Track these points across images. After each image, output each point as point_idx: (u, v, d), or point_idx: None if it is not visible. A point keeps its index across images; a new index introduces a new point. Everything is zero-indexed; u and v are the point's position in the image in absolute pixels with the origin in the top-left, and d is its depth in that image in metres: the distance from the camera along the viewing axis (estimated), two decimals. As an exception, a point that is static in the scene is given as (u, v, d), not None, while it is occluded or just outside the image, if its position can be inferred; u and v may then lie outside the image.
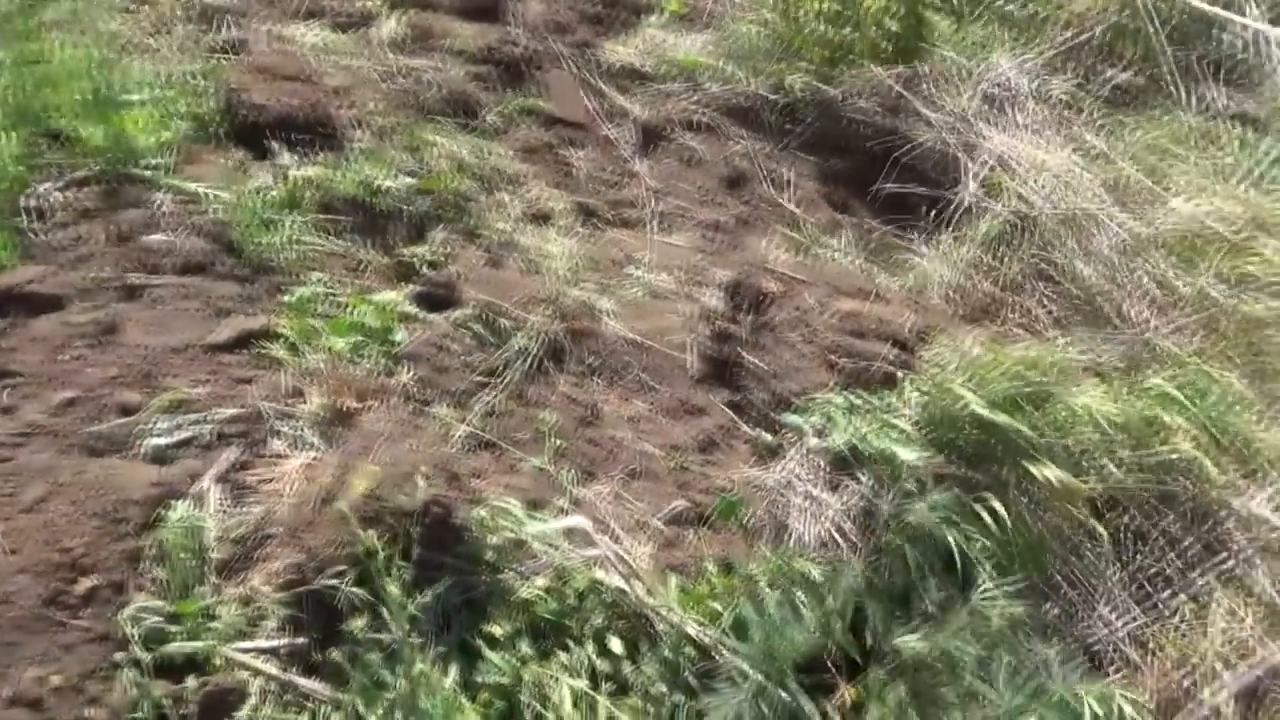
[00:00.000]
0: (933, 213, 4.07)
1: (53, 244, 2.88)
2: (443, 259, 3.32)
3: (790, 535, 2.63)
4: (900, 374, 2.96)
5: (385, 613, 2.03)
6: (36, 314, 2.64)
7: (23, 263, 2.79)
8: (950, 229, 3.95)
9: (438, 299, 3.12)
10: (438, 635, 2.16)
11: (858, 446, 2.72)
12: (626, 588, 2.33)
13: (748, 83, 4.89)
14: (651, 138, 4.63)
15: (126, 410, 2.39)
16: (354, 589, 2.07)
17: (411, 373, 2.77)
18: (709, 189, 4.46)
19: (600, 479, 2.72)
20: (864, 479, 2.70)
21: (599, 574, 2.35)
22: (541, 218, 3.83)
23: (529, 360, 3.00)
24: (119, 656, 1.92)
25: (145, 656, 1.92)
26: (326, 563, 2.10)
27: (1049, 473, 2.53)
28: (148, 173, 3.16)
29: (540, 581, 2.32)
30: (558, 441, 2.78)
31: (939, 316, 3.32)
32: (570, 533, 2.45)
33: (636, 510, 2.64)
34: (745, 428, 3.05)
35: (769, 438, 2.94)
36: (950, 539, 2.46)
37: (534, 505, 2.53)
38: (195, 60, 3.84)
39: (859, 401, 2.88)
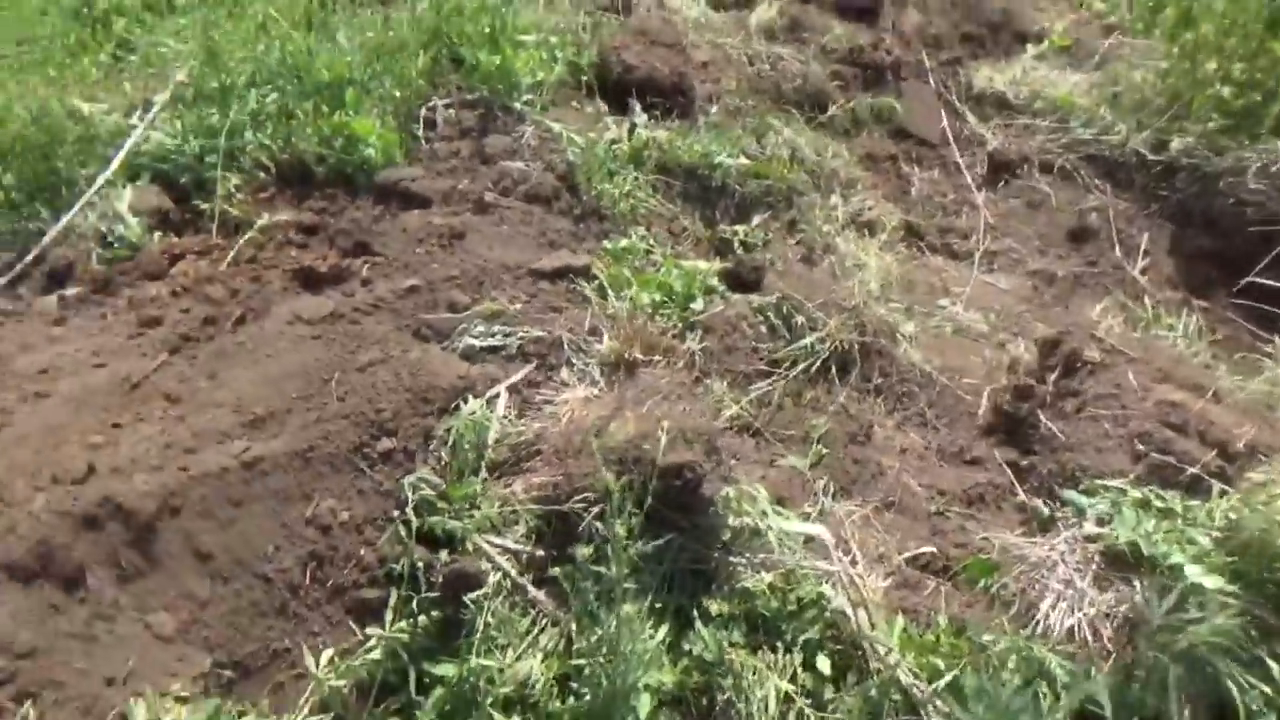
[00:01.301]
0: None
1: (433, 152, 3.28)
2: (758, 244, 3.39)
3: (1038, 618, 2.43)
4: (1215, 485, 2.61)
5: (609, 550, 2.12)
6: (407, 208, 3.04)
7: (408, 162, 3.21)
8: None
9: (744, 280, 3.18)
10: (658, 591, 2.23)
11: (1141, 548, 2.45)
12: (850, 613, 2.27)
13: (1124, 134, 4.49)
14: (1001, 171, 4.41)
15: (455, 308, 2.68)
16: (596, 522, 2.18)
17: (701, 342, 2.86)
18: (1050, 237, 4.17)
19: (854, 499, 2.66)
20: (1138, 585, 2.43)
21: (827, 590, 2.30)
22: (866, 227, 3.78)
23: (815, 362, 2.98)
24: (395, 514, 2.18)
25: (415, 521, 2.16)
26: (579, 489, 2.24)
27: (1376, 651, 2.13)
28: (521, 106, 3.49)
29: (767, 577, 2.31)
30: (822, 449, 2.75)
31: (1284, 437, 2.88)
32: (810, 540, 2.42)
33: (882, 541, 2.55)
34: (1021, 493, 2.84)
35: (1044, 510, 2.71)
36: (1229, 679, 2.15)
37: (781, 502, 2.53)
38: (584, 13, 4.16)
39: (1156, 500, 2.58)
